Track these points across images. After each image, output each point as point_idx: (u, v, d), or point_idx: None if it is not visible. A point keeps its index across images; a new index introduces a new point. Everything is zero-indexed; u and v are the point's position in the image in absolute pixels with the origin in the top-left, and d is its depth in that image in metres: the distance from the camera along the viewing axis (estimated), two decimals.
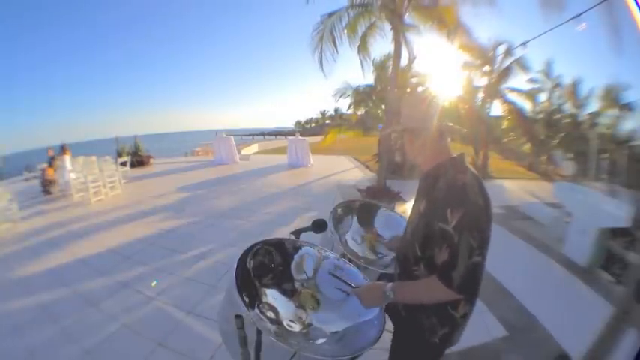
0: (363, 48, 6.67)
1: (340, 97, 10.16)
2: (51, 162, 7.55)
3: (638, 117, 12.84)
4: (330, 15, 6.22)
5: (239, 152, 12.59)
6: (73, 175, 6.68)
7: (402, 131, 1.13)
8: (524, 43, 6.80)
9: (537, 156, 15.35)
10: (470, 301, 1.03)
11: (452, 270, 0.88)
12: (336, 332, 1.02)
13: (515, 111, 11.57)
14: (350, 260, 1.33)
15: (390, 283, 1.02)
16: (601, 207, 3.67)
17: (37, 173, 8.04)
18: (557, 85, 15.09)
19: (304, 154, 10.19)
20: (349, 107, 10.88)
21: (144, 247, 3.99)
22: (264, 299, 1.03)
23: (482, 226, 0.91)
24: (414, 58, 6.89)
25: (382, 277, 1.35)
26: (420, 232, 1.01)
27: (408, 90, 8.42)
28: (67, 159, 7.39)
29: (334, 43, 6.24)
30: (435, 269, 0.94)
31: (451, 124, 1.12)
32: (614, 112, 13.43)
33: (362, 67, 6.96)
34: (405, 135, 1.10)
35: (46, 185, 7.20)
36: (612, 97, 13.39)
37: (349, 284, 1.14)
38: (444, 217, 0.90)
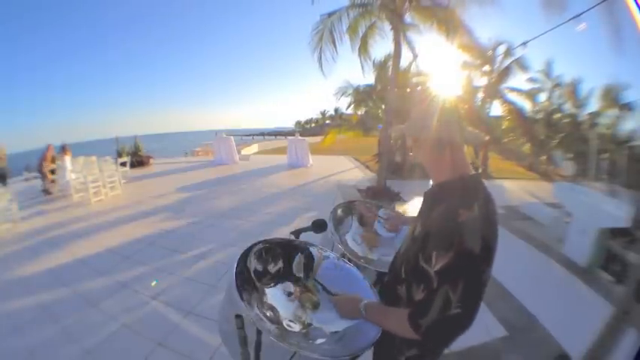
0: (363, 49, 6.68)
1: (341, 95, 10.18)
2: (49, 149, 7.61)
3: (638, 117, 12.84)
4: (330, 15, 6.22)
5: (239, 152, 12.60)
6: (73, 175, 6.67)
7: (405, 134, 1.06)
8: (524, 43, 6.82)
9: (537, 156, 15.37)
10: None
11: (422, 316, 0.80)
12: (335, 332, 1.02)
13: (515, 111, 11.59)
14: (350, 260, 1.33)
15: (366, 301, 0.99)
16: (601, 207, 3.67)
17: (37, 174, 8.05)
18: (557, 85, 15.12)
19: (304, 154, 10.21)
20: (348, 107, 10.89)
21: (144, 247, 3.99)
22: (264, 299, 1.03)
23: (472, 278, 0.78)
24: (416, 56, 6.89)
25: (380, 276, 1.35)
26: (408, 256, 0.95)
27: (408, 90, 8.42)
28: (68, 159, 7.39)
29: (334, 43, 6.24)
30: (410, 303, 0.87)
31: (470, 129, 0.96)
32: (614, 112, 13.43)
33: (362, 67, 6.98)
34: (409, 137, 1.04)
35: (43, 171, 7.17)
36: (612, 97, 13.39)
37: (329, 292, 1.14)
38: (428, 257, 0.80)
